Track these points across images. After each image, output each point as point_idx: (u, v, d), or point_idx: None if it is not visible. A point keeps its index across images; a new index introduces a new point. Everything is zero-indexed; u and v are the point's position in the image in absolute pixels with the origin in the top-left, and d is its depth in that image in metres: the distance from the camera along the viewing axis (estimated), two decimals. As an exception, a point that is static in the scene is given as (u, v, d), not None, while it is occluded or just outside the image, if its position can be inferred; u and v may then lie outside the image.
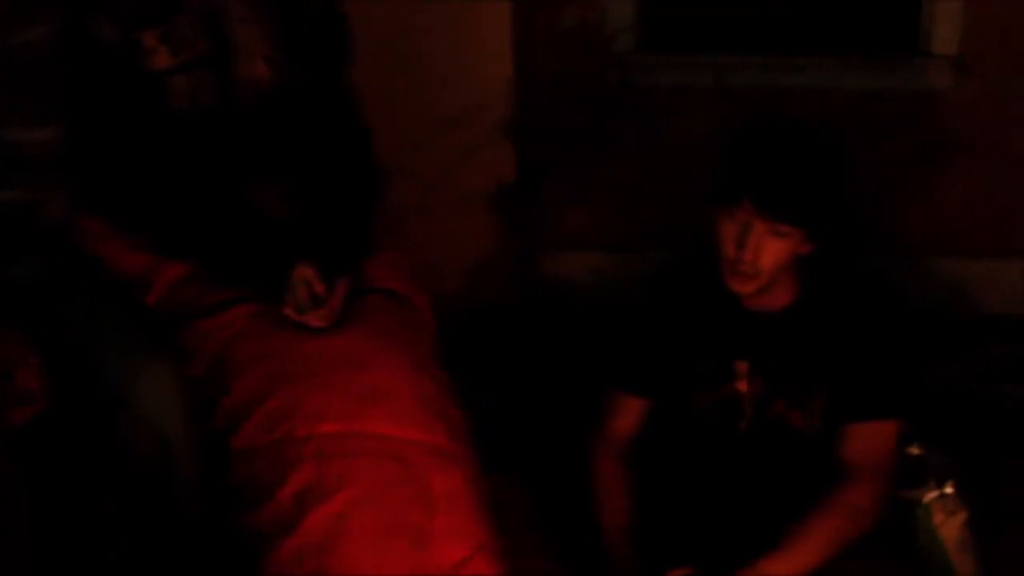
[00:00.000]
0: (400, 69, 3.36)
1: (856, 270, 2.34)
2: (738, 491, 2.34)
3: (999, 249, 3.98)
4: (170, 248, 2.18)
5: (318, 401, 1.97)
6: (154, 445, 1.99)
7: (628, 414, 2.41)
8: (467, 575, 1.95)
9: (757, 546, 2.20)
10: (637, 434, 2.41)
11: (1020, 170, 3.90)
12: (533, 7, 3.73)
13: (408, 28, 3.36)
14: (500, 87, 3.49)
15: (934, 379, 3.20)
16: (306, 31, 2.22)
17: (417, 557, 1.91)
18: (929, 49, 3.76)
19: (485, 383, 3.13)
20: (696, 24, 3.90)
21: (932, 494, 2.34)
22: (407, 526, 1.92)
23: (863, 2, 3.82)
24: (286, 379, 1.99)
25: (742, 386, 2.32)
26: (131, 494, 2.01)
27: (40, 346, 1.88)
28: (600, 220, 4.03)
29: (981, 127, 3.84)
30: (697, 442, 2.39)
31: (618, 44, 3.80)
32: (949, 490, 2.35)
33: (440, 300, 2.49)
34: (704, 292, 2.34)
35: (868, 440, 2.28)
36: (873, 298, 2.31)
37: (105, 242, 2.17)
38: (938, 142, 3.83)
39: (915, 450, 2.37)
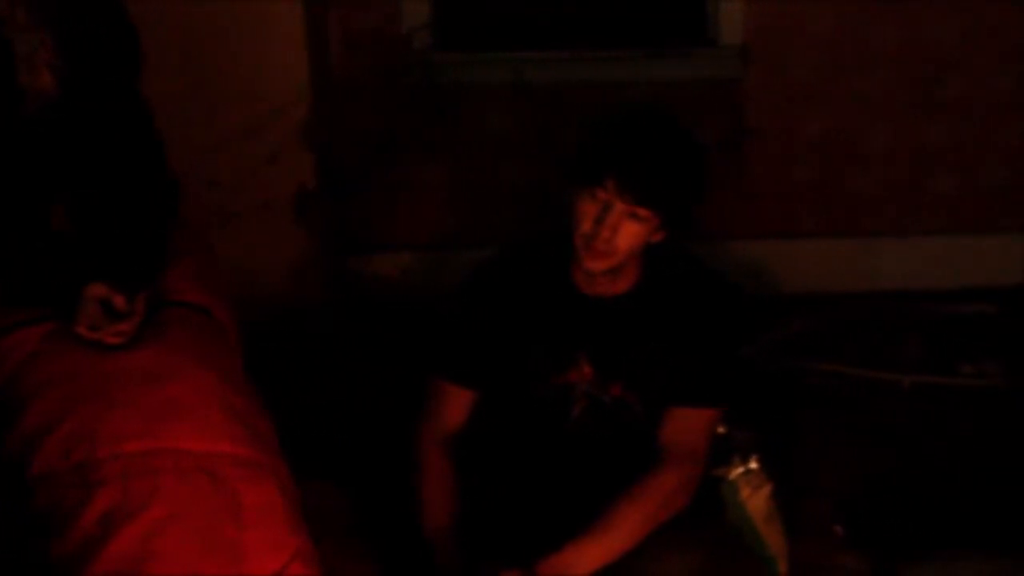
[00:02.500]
0: (193, 75, 3.30)
1: (692, 258, 2.40)
2: (567, 480, 2.37)
3: (794, 230, 4.13)
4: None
5: (119, 420, 1.91)
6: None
7: (454, 406, 2.40)
8: (284, 584, 1.92)
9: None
10: (463, 427, 2.41)
11: (811, 154, 4.06)
12: (327, 8, 3.71)
13: (199, 33, 3.30)
14: (297, 91, 3.46)
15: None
16: (92, 39, 2.16)
17: (231, 572, 1.88)
18: (718, 40, 3.88)
19: (297, 389, 3.10)
20: (493, 21, 3.94)
21: (738, 470, 2.41)
22: (219, 541, 1.88)
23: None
24: (84, 399, 1.92)
25: (577, 374, 2.35)
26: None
27: None
28: (409, 220, 4.03)
29: (772, 113, 4.00)
30: (526, 433, 2.40)
31: (416, 43, 3.80)
32: (754, 465, 2.42)
33: (247, 308, 2.45)
34: (537, 282, 2.37)
35: (686, 425, 2.34)
36: (709, 289, 2.38)
37: None
38: (733, 129, 3.96)
39: (720, 428, 2.44)
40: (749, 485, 2.42)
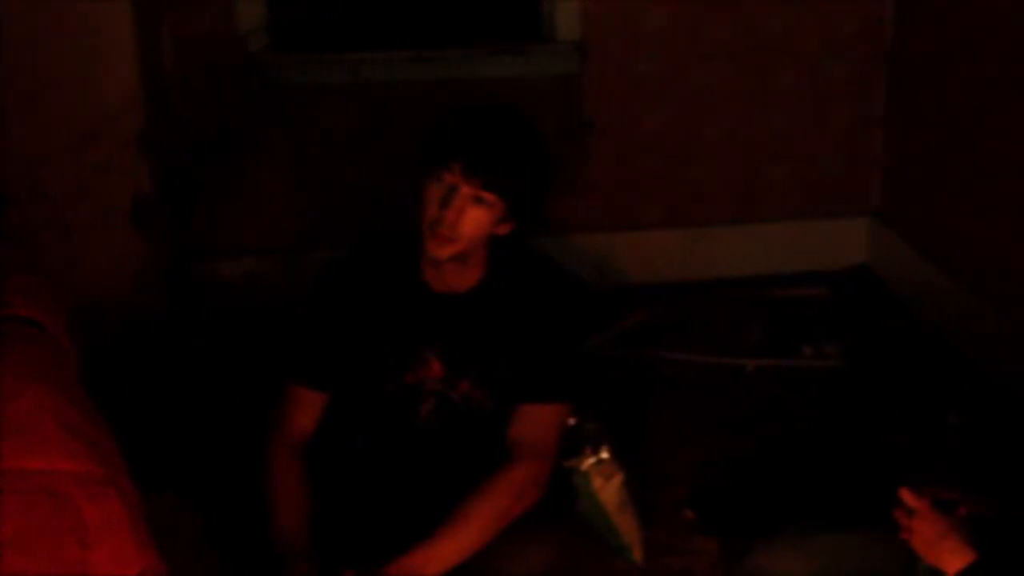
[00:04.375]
0: (19, 85, 3.18)
1: (536, 254, 2.42)
2: (418, 479, 2.36)
3: (636, 221, 4.19)
4: None
5: (-49, 442, 1.84)
6: None
7: (305, 409, 2.38)
8: (132, 602, 1.88)
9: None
10: (314, 431, 2.39)
11: (651, 146, 4.13)
12: (158, 11, 3.63)
13: (24, 42, 3.18)
14: (129, 96, 3.37)
15: (585, 348, 3.34)
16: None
17: (77, 592, 1.82)
18: (554, 36, 3.92)
19: (142, 400, 3.03)
20: (329, 22, 3.91)
21: (589, 460, 2.44)
22: (63, 561, 1.82)
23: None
24: (-88, 423, 1.84)
25: (427, 371, 2.35)
26: None
27: None
28: (251, 223, 3.98)
29: (611, 107, 4.05)
30: (375, 432, 2.39)
31: (252, 45, 3.75)
32: (605, 455, 2.45)
33: (88, 319, 2.38)
34: (386, 280, 2.36)
35: (535, 421, 2.36)
36: (553, 285, 2.40)
37: None
38: (573, 124, 4.00)
39: (570, 420, 2.46)
40: (601, 475, 2.45)
